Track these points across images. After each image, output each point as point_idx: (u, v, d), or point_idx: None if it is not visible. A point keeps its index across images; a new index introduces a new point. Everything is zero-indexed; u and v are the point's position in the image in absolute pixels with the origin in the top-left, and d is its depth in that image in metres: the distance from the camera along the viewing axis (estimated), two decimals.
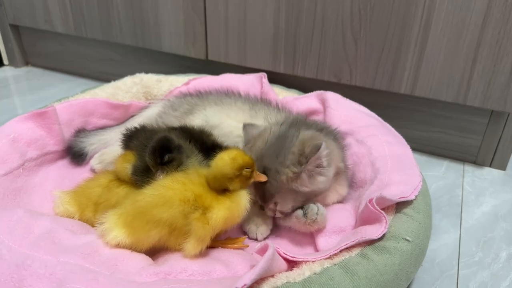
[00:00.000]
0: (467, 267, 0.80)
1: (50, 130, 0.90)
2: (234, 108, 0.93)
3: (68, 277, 0.55)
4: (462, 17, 0.97)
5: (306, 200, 0.74)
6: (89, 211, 0.72)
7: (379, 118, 1.01)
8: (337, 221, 0.75)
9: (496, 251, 0.84)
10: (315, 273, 0.58)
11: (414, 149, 1.13)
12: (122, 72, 1.35)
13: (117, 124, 1.05)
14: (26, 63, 1.73)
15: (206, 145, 0.78)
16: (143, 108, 1.09)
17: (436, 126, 1.15)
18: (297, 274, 0.58)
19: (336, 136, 0.85)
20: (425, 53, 1.03)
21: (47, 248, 0.60)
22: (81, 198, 0.73)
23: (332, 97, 1.06)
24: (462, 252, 0.83)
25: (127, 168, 0.72)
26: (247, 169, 0.66)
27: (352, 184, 0.86)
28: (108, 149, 0.95)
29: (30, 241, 0.61)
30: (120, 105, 1.07)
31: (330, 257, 0.62)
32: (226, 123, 0.90)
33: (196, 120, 0.91)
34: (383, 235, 0.64)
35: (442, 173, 1.10)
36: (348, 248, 0.63)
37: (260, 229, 0.77)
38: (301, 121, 0.82)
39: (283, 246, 0.74)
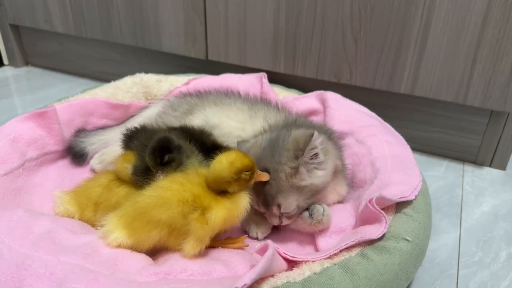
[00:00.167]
0: (467, 267, 0.80)
1: (50, 130, 0.91)
2: (233, 108, 0.93)
3: (68, 277, 0.55)
4: (462, 16, 0.97)
5: (308, 198, 0.74)
6: (89, 211, 0.72)
7: (379, 118, 1.01)
8: (337, 221, 0.75)
9: (496, 251, 0.84)
10: (315, 273, 0.58)
11: (414, 149, 1.13)
12: (122, 72, 1.35)
13: (117, 124, 1.05)
14: (26, 63, 1.73)
15: (206, 145, 0.78)
16: (143, 108, 1.09)
17: (436, 126, 1.15)
18: (297, 274, 0.58)
19: (330, 136, 0.85)
20: (425, 53, 1.03)
21: (47, 248, 0.60)
22: (81, 198, 0.73)
23: (332, 97, 1.06)
24: (462, 252, 0.83)
25: (127, 168, 0.72)
26: (247, 172, 0.66)
27: (352, 184, 0.86)
28: (108, 149, 0.95)
29: (30, 241, 0.61)
30: (120, 105, 1.07)
31: (330, 257, 0.62)
32: (225, 123, 0.90)
33: (196, 120, 0.91)
34: (383, 235, 0.64)
35: (442, 173, 1.10)
36: (348, 248, 0.63)
37: (261, 228, 0.77)
38: (291, 123, 0.82)
39: (283, 246, 0.74)
